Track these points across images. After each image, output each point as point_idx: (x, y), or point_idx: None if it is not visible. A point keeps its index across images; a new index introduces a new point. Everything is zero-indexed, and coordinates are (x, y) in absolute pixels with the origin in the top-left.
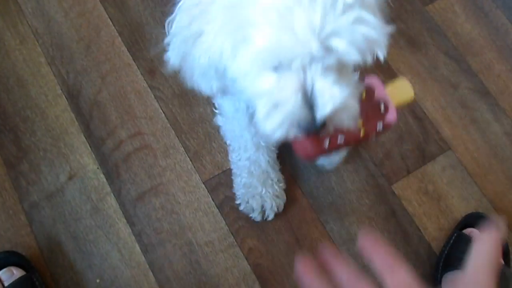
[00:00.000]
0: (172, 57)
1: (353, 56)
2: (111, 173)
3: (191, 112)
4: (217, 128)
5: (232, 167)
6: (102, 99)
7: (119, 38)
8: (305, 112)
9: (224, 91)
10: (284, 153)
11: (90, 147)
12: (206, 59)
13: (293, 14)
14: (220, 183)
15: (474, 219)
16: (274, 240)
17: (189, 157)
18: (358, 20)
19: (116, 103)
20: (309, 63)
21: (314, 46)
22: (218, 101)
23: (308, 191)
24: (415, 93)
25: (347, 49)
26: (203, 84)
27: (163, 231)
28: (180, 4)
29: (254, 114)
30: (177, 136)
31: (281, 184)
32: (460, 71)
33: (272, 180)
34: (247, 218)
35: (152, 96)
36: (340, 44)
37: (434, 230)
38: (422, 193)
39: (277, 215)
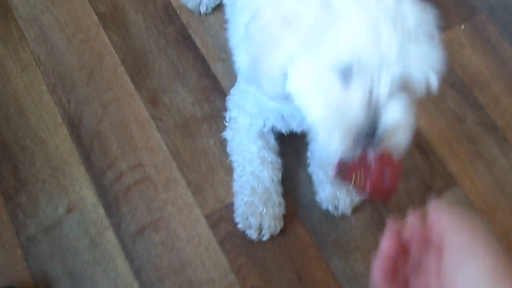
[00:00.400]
0: (243, 58)
1: (417, 75)
2: (111, 206)
3: (193, 143)
4: (219, 161)
5: (234, 185)
6: (104, 129)
7: (122, 67)
8: (368, 123)
9: (284, 98)
10: (288, 187)
11: (90, 178)
12: (280, 66)
13: (379, 25)
14: (222, 217)
15: None
16: (277, 278)
17: (190, 190)
18: (428, 44)
19: (118, 134)
20: (378, 72)
21: (393, 54)
22: (232, 115)
23: (311, 227)
24: (421, 127)
25: (416, 64)
26: (268, 87)
27: (163, 267)
28: (259, 10)
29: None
30: (179, 169)
31: (281, 208)
32: (467, 104)
33: (273, 201)
34: (248, 255)
35: (154, 126)
36: (412, 58)
37: None
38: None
39: (279, 252)
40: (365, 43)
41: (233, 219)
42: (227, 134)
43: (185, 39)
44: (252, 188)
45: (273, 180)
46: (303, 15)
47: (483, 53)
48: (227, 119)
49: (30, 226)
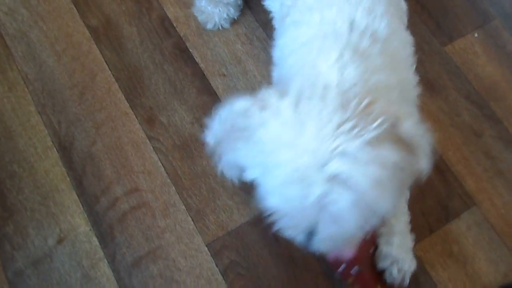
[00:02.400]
0: (210, 138)
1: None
2: (105, 236)
3: (193, 165)
4: (221, 184)
5: None
6: (97, 151)
7: (116, 84)
8: (303, 238)
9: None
10: None
11: (83, 206)
12: (238, 162)
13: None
14: (225, 245)
15: None
16: None
17: (190, 216)
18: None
19: (112, 156)
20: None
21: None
22: None
23: (321, 254)
24: (436, 143)
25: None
26: (228, 170)
27: None
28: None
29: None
30: (178, 193)
31: None
32: (483, 117)
33: None
34: (255, 286)
35: (151, 147)
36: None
37: None
38: (446, 256)
39: (287, 282)
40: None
41: (237, 247)
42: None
43: (182, 53)
44: None
45: None
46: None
47: (498, 62)
48: None
49: (17, 259)
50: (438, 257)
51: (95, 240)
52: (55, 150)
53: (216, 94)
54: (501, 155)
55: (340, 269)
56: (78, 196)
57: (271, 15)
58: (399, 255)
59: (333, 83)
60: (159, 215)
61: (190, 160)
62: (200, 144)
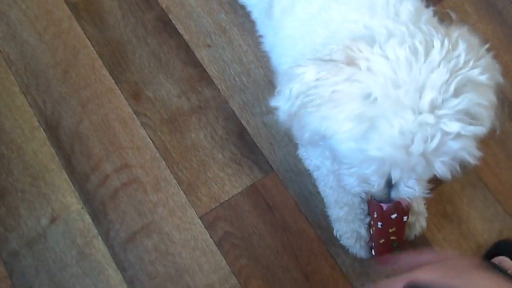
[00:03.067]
0: (284, 110)
1: (445, 175)
2: (98, 213)
3: (182, 139)
4: (211, 156)
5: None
6: (84, 129)
7: (100, 60)
8: (384, 191)
9: (314, 144)
10: (287, 179)
11: (73, 184)
12: (320, 128)
13: (413, 139)
14: (218, 217)
15: (504, 247)
16: (281, 279)
17: (182, 190)
18: (463, 151)
19: (100, 133)
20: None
21: (420, 168)
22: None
23: (315, 220)
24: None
25: (444, 172)
26: (300, 134)
27: (158, 275)
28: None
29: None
30: (168, 167)
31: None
32: None
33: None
34: (249, 256)
35: (139, 123)
36: (440, 168)
37: None
38: (441, 216)
39: (282, 250)
40: (396, 153)
41: (230, 217)
42: (301, 151)
43: (165, 26)
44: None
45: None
46: (348, 102)
47: (489, 20)
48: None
49: (12, 240)
50: (432, 218)
51: (88, 218)
52: (42, 130)
53: (201, 65)
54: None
55: (393, 216)
56: (68, 175)
57: (248, 9)
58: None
59: (397, 31)
60: (150, 190)
61: (179, 133)
62: (188, 117)
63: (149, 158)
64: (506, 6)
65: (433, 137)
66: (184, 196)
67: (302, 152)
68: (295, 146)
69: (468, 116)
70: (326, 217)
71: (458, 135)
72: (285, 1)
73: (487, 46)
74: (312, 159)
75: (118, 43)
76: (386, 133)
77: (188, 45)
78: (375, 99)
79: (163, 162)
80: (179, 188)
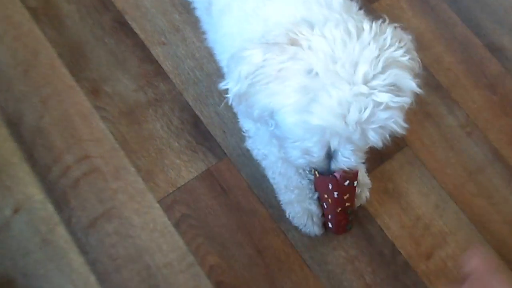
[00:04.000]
0: (234, 91)
1: (377, 143)
2: (60, 202)
3: (140, 130)
4: (168, 145)
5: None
6: (45, 124)
7: (59, 60)
8: (324, 162)
9: (262, 121)
10: (239, 163)
11: (36, 176)
12: (268, 104)
13: (349, 108)
14: (176, 200)
15: None
16: (236, 255)
17: (141, 177)
18: (391, 120)
19: (60, 128)
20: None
21: (356, 136)
22: (244, 125)
23: (267, 200)
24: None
25: (376, 140)
26: (250, 112)
27: (119, 257)
28: (248, 51)
29: (280, 140)
30: (127, 156)
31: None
32: None
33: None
34: (206, 235)
35: (98, 117)
36: (373, 136)
37: (397, 229)
38: (382, 193)
39: (237, 228)
40: (335, 121)
41: (187, 200)
42: (248, 143)
43: (122, 26)
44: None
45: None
46: (293, 77)
47: (423, 15)
48: (244, 130)
49: None
50: (374, 194)
51: (50, 207)
52: (4, 127)
53: (157, 62)
54: (428, 99)
55: (346, 183)
56: (30, 168)
57: (192, 5)
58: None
59: (332, 17)
60: (110, 178)
61: (137, 125)
62: (145, 109)
63: (108, 148)
64: (438, 2)
65: (366, 107)
66: (143, 182)
67: (249, 143)
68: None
69: (395, 90)
70: (276, 196)
71: (387, 106)
72: (222, 0)
73: (409, 36)
74: (260, 148)
75: (76, 44)
76: (326, 104)
77: (144, 43)
78: (316, 73)
79: (122, 152)
80: (138, 175)
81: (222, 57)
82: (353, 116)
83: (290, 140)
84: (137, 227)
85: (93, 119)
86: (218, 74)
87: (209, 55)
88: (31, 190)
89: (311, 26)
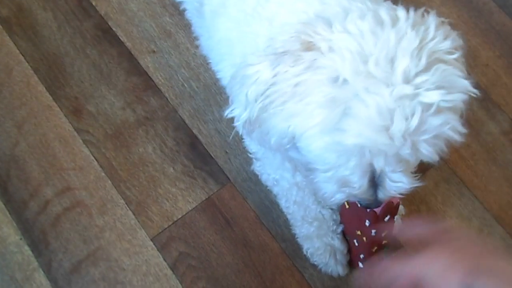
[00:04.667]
0: (243, 118)
1: (432, 158)
2: (38, 243)
3: (129, 154)
4: (161, 170)
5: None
6: (20, 152)
7: (35, 76)
8: (369, 192)
9: (283, 151)
10: (244, 189)
11: (10, 214)
12: (287, 128)
13: (393, 116)
14: (172, 237)
15: None
16: None
17: (131, 210)
18: (447, 126)
19: (38, 156)
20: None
21: (406, 151)
22: (250, 145)
23: (279, 233)
24: None
25: (431, 153)
26: (266, 141)
27: None
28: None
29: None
30: (115, 186)
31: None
32: None
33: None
34: (208, 277)
35: (80, 141)
36: (426, 149)
37: None
38: (414, 217)
39: (244, 268)
40: (377, 136)
41: (185, 236)
42: (256, 166)
43: (105, 34)
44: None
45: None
46: (315, 91)
47: (453, 2)
48: (250, 151)
49: None
50: (405, 219)
51: (27, 250)
52: None
53: (146, 73)
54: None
55: (386, 218)
56: (4, 204)
57: (182, 6)
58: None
59: (354, 7)
60: (96, 213)
61: (125, 148)
62: (134, 130)
63: (93, 178)
64: None
65: (413, 112)
66: (133, 216)
67: (257, 167)
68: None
69: (445, 88)
70: (290, 228)
71: (438, 109)
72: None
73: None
74: (270, 173)
75: (54, 57)
76: (362, 115)
77: (131, 53)
78: (345, 80)
79: (109, 182)
80: (128, 208)
81: (219, 67)
82: (398, 126)
83: (320, 171)
84: (128, 271)
85: (74, 144)
86: (218, 85)
87: (206, 63)
88: (6, 230)
89: (329, 22)
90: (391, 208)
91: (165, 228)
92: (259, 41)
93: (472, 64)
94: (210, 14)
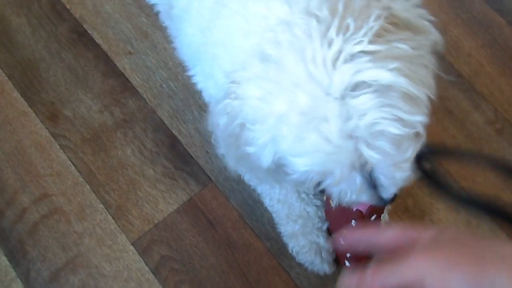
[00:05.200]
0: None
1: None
2: (15, 253)
3: (107, 158)
4: (141, 173)
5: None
6: None
7: (10, 83)
8: (371, 192)
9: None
10: (227, 188)
11: None
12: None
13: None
14: (153, 240)
15: None
16: None
17: (110, 214)
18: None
19: (13, 163)
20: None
21: (353, 156)
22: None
23: (263, 231)
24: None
25: (381, 154)
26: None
27: None
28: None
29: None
30: (94, 191)
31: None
32: None
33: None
34: (192, 280)
35: (57, 146)
36: (372, 156)
37: None
38: (401, 211)
39: (228, 269)
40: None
41: (167, 239)
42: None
43: (80, 37)
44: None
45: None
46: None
47: None
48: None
49: None
50: (392, 214)
51: (4, 260)
52: None
53: (123, 75)
54: (448, 93)
55: (372, 217)
56: None
57: (156, 8)
58: None
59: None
60: (74, 219)
61: (103, 152)
62: (112, 133)
63: (71, 183)
64: None
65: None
66: (113, 221)
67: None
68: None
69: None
70: (274, 226)
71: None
72: (182, 2)
73: None
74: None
75: (29, 62)
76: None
77: (107, 55)
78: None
79: (87, 186)
80: (107, 213)
81: (194, 72)
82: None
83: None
84: (109, 277)
85: (51, 150)
86: None
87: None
88: None
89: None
90: (377, 208)
91: (146, 232)
92: (220, 61)
93: (455, 54)
94: (177, 18)
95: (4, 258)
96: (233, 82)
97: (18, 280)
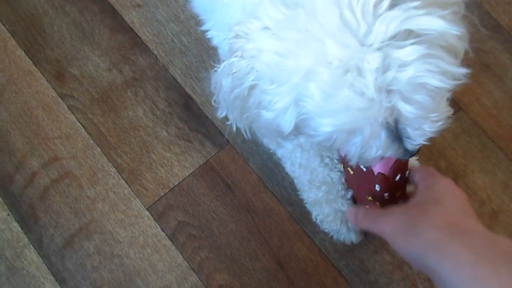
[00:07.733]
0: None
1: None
2: (27, 219)
3: (118, 119)
4: (154, 134)
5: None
6: (2, 123)
7: (13, 40)
8: (395, 147)
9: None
10: (245, 150)
11: None
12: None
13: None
14: (169, 205)
15: None
16: (250, 269)
17: (123, 178)
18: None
19: (20, 125)
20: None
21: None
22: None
23: (284, 195)
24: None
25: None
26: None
27: (104, 283)
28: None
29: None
30: (105, 154)
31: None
32: None
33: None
34: (210, 247)
35: (65, 107)
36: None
37: None
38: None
39: (249, 235)
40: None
41: (183, 204)
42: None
43: None
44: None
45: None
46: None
47: None
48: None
49: None
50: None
51: (15, 226)
52: None
53: (132, 30)
54: (485, 45)
55: (397, 178)
56: None
57: None
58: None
59: None
60: (86, 183)
61: (114, 113)
62: (123, 92)
63: (81, 146)
64: None
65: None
66: (127, 185)
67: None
68: None
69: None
70: (296, 191)
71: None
72: None
73: None
74: None
75: (32, 17)
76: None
77: (114, 8)
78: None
79: (98, 149)
80: (120, 177)
81: (208, 26)
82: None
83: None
84: (124, 243)
85: (59, 111)
86: None
87: (198, 15)
88: None
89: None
90: (400, 166)
91: (162, 196)
92: (231, 11)
93: (493, 2)
94: None
95: (15, 224)
96: (237, 36)
97: (31, 246)
